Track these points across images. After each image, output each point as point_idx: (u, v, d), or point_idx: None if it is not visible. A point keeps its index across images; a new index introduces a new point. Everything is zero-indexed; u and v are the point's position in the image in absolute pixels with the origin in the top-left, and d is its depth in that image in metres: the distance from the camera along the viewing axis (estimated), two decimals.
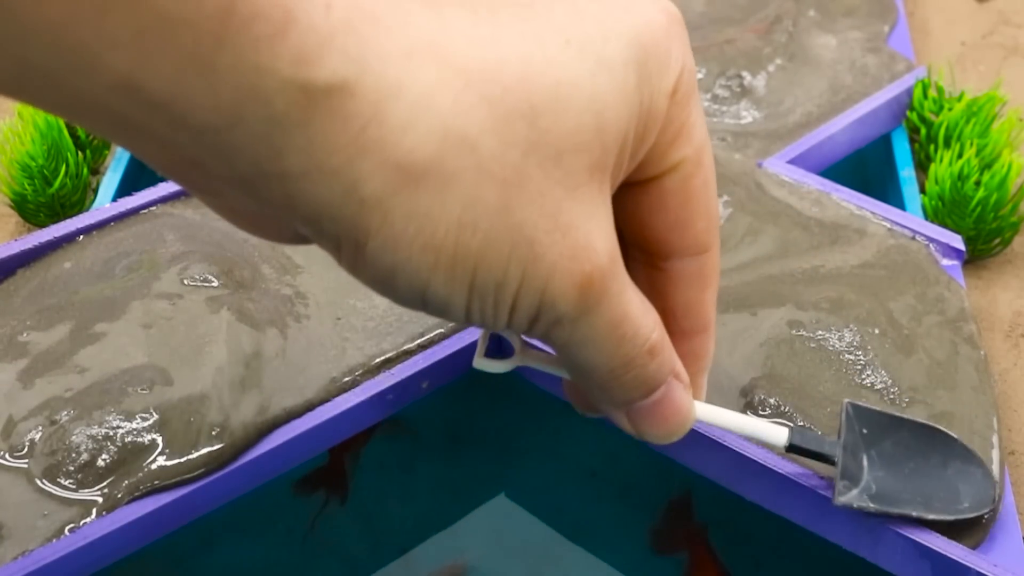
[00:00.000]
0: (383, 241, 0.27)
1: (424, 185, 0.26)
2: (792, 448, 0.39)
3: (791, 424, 0.41)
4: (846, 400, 0.42)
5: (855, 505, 0.40)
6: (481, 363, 0.36)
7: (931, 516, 0.40)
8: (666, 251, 0.33)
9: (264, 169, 0.26)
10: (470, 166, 0.26)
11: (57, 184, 0.57)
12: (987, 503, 0.41)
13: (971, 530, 0.41)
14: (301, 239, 0.29)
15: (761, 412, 0.45)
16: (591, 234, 0.28)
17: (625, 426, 0.34)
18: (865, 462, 0.41)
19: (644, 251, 0.33)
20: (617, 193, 0.31)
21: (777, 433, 0.38)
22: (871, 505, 0.40)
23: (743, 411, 0.45)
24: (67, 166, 0.57)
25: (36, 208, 0.58)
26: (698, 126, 0.31)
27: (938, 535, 0.41)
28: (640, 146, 0.30)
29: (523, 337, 0.37)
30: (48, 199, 0.57)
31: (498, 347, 0.44)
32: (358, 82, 0.25)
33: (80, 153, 0.60)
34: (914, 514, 0.40)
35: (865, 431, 0.41)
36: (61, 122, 0.58)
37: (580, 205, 0.28)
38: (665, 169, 0.31)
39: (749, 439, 0.42)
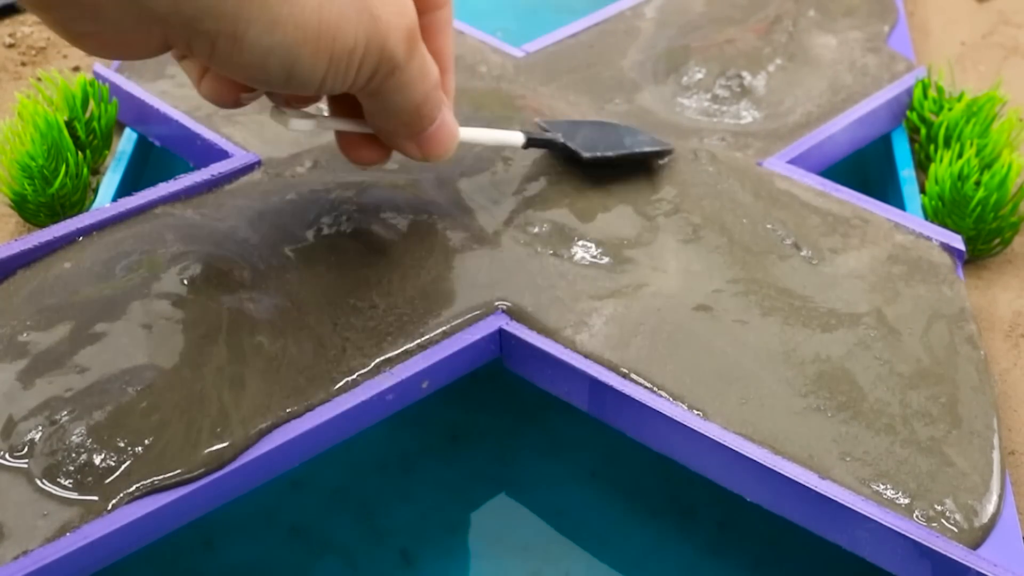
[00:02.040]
0: (261, 27, 0.33)
1: None
2: (529, 143, 0.52)
3: (523, 130, 0.53)
4: (536, 119, 0.56)
5: (597, 154, 0.54)
6: (295, 123, 0.43)
7: (643, 149, 0.55)
8: (419, 8, 0.40)
9: None
10: None
11: (57, 184, 0.57)
12: (667, 145, 0.57)
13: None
14: (164, 47, 0.35)
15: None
16: None
17: (415, 153, 0.44)
18: (578, 140, 0.55)
19: None
20: None
21: (515, 137, 0.52)
22: (604, 153, 0.54)
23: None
24: (67, 166, 0.57)
25: (36, 208, 0.58)
26: None
27: (938, 535, 0.41)
28: None
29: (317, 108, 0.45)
30: (48, 199, 0.57)
31: None
32: None
33: (80, 153, 0.60)
34: (635, 151, 0.55)
35: (560, 133, 0.55)
36: (61, 122, 0.58)
37: None
38: None
39: (496, 146, 0.55)
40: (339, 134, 0.46)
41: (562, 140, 0.54)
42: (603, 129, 0.57)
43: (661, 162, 0.56)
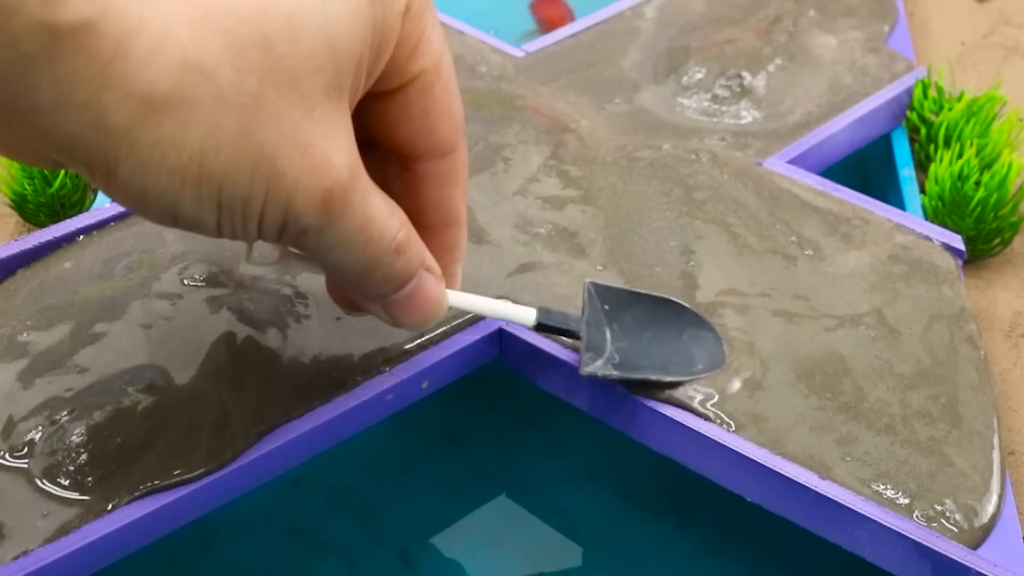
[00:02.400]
0: (132, 167, 0.29)
1: (167, 114, 0.28)
2: (540, 326, 0.43)
3: (539, 306, 0.43)
4: (587, 280, 0.45)
5: (600, 374, 0.43)
6: (246, 268, 0.38)
7: (669, 378, 0.44)
8: (415, 154, 0.36)
9: (16, 105, 0.28)
10: (209, 94, 0.29)
11: (57, 184, 0.57)
12: (718, 363, 0.45)
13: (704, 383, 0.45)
14: (58, 164, 0.32)
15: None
16: (329, 151, 0.31)
17: (384, 318, 0.37)
18: (608, 335, 0.44)
19: (397, 155, 0.36)
20: (366, 105, 0.34)
21: (526, 314, 0.42)
22: (614, 372, 0.43)
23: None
24: None
25: (36, 208, 0.58)
26: (435, 39, 0.34)
27: (938, 535, 0.41)
28: (377, 63, 0.32)
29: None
30: (48, 199, 0.57)
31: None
32: (101, 20, 0.27)
33: None
34: (653, 377, 0.44)
35: (607, 307, 0.45)
36: None
37: (318, 124, 0.31)
38: (406, 81, 0.34)
39: (502, 318, 0.44)
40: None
41: (579, 331, 0.43)
42: (664, 313, 0.46)
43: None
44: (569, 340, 0.46)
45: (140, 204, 0.31)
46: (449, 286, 0.39)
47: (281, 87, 0.30)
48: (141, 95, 0.28)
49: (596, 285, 0.45)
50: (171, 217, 0.31)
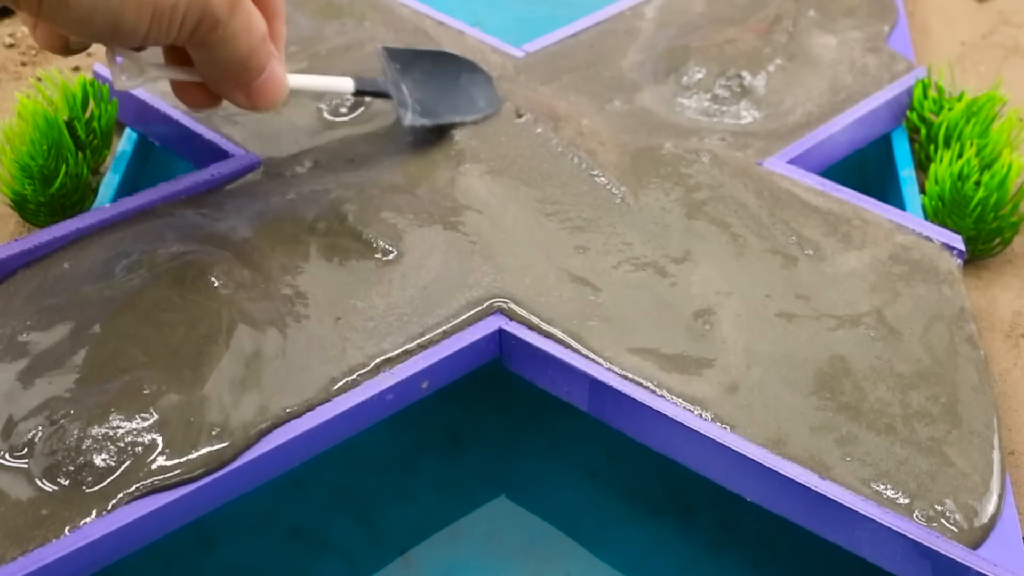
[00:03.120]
0: None
1: None
2: (358, 92, 0.52)
3: (354, 75, 0.53)
4: (379, 45, 0.55)
5: (416, 124, 0.54)
6: (122, 84, 0.45)
7: (466, 118, 0.55)
8: None
9: None
10: None
11: (57, 184, 0.57)
12: (496, 100, 0.57)
13: None
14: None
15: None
16: None
17: (243, 103, 0.45)
18: (405, 89, 0.54)
19: None
20: None
21: (345, 84, 0.52)
22: (425, 120, 0.54)
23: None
24: (67, 166, 0.57)
25: (36, 208, 0.58)
26: None
27: (938, 535, 0.41)
28: None
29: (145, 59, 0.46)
30: (48, 199, 0.57)
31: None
32: None
33: (80, 153, 0.60)
34: (456, 119, 0.54)
35: (398, 66, 0.54)
36: (61, 122, 0.58)
37: None
38: None
39: (324, 94, 0.55)
40: (173, 81, 0.47)
41: (389, 91, 0.54)
42: (442, 63, 0.56)
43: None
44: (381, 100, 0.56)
45: (87, 21, 0.37)
46: None
47: None
48: None
49: (387, 49, 0.55)
50: (112, 30, 0.38)
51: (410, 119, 0.54)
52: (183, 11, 0.39)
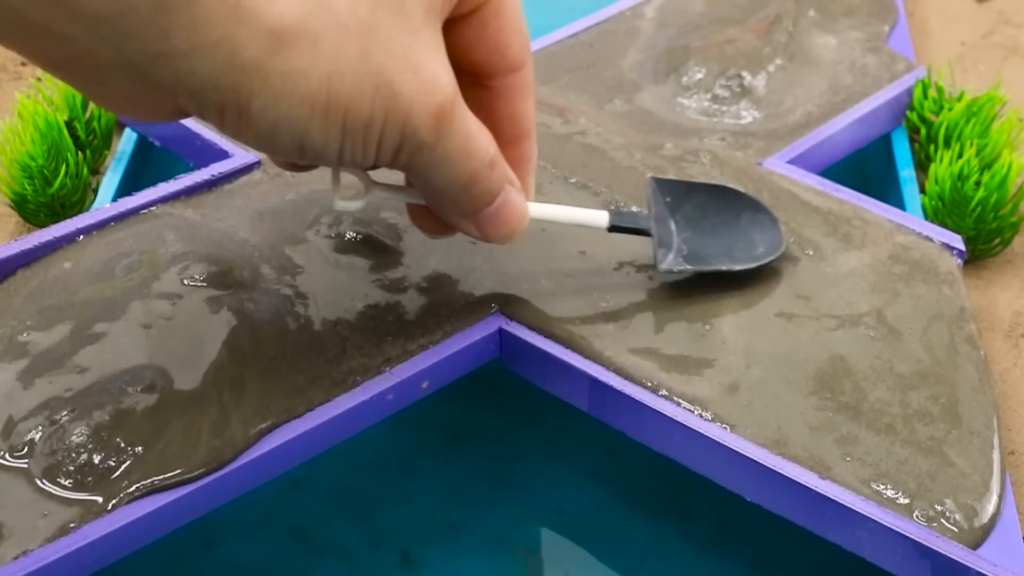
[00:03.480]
0: (264, 100, 0.31)
1: (294, 46, 0.31)
2: (613, 227, 0.46)
3: (609, 208, 0.48)
4: (649, 175, 0.48)
5: (675, 268, 0.47)
6: (341, 205, 0.41)
7: (737, 267, 0.47)
8: (491, 71, 0.39)
9: (152, 51, 0.30)
10: (330, 24, 0.31)
11: (57, 184, 0.57)
12: (778, 246, 0.49)
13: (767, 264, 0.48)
14: (181, 113, 0.34)
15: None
16: (437, 70, 0.34)
17: (474, 233, 0.40)
18: (673, 227, 0.48)
19: (472, 75, 0.39)
20: (446, 28, 0.36)
21: (599, 217, 0.45)
22: (687, 266, 0.47)
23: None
24: (67, 166, 0.57)
25: (36, 208, 0.58)
26: None
27: (938, 535, 0.41)
28: None
29: (370, 175, 0.41)
30: (48, 199, 0.57)
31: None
32: None
33: (80, 153, 0.60)
34: (723, 268, 0.47)
35: (668, 199, 0.48)
36: (61, 122, 0.58)
37: (423, 45, 0.33)
38: (481, 2, 0.37)
39: (577, 225, 0.46)
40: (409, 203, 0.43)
41: (650, 229, 0.47)
42: (721, 199, 0.49)
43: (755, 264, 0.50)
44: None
45: (271, 137, 0.33)
46: (526, 198, 0.41)
47: (390, 12, 0.32)
48: (271, 29, 0.30)
49: (657, 179, 0.48)
50: (300, 147, 0.33)
51: (669, 263, 0.47)
52: (379, 130, 0.33)
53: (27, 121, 0.59)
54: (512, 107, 0.40)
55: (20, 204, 0.58)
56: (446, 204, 0.38)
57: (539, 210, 0.43)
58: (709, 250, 0.48)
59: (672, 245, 0.47)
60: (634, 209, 0.46)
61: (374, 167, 0.37)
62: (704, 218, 0.48)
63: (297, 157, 0.34)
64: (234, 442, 0.43)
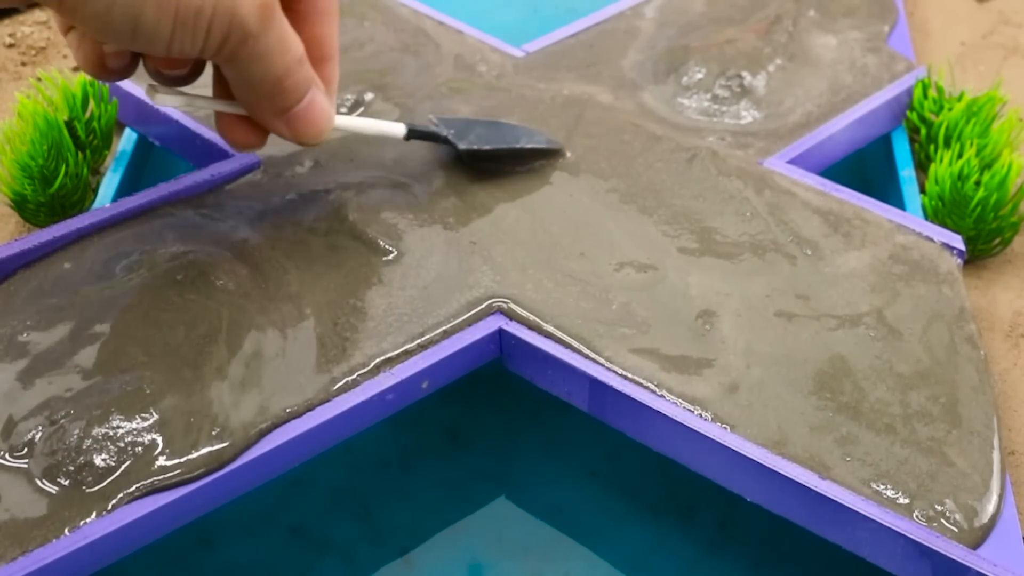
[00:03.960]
0: None
1: None
2: (411, 135, 0.52)
3: (409, 123, 0.53)
4: (430, 115, 0.55)
5: (475, 147, 0.54)
6: (160, 99, 0.44)
7: (520, 145, 0.55)
8: None
9: None
10: None
11: (57, 184, 0.57)
12: (557, 144, 0.56)
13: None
14: (26, 2, 0.39)
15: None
16: None
17: (285, 133, 0.44)
18: (467, 139, 0.54)
19: None
20: None
21: (398, 128, 0.51)
22: (486, 147, 0.54)
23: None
24: (67, 166, 0.57)
25: (36, 208, 0.58)
26: None
27: (938, 535, 0.41)
28: None
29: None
30: (48, 199, 0.57)
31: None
32: None
33: (80, 153, 0.60)
34: (516, 146, 0.55)
35: (452, 131, 0.54)
36: (61, 122, 0.58)
37: None
38: None
39: (377, 136, 0.53)
40: (217, 115, 0.46)
41: (443, 133, 0.54)
42: (498, 128, 0.56)
43: (544, 161, 0.56)
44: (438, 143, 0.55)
45: (106, 17, 0.36)
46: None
47: None
48: None
49: (440, 117, 0.55)
50: (132, 31, 0.36)
51: (465, 145, 0.54)
52: (209, 17, 0.37)
53: (27, 121, 0.59)
54: (317, 29, 0.44)
55: (20, 204, 0.58)
56: (262, 100, 0.42)
57: (343, 121, 0.48)
58: (498, 143, 0.55)
59: (465, 139, 0.54)
60: (429, 126, 0.54)
61: (199, 59, 0.41)
62: (489, 140, 0.55)
63: (128, 42, 0.37)
64: (234, 442, 0.43)
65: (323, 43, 0.45)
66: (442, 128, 0.54)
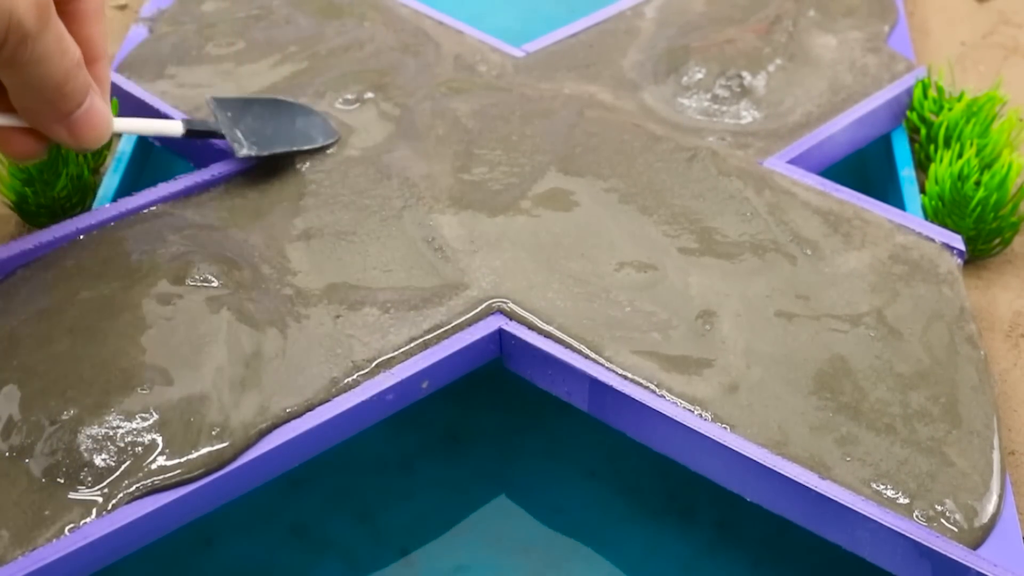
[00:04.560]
0: None
1: None
2: (189, 133, 0.52)
3: (184, 119, 0.54)
4: (208, 95, 0.55)
5: (253, 154, 0.54)
6: None
7: (296, 148, 0.55)
8: None
9: None
10: None
11: (59, 187, 0.57)
12: (333, 134, 0.57)
13: None
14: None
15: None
16: None
17: (66, 139, 0.43)
18: (239, 132, 0.54)
19: None
20: None
21: (175, 126, 0.52)
22: (261, 152, 0.54)
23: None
24: (67, 167, 0.57)
25: (37, 210, 0.58)
26: None
27: (938, 535, 0.41)
28: None
29: None
30: (49, 201, 0.57)
31: None
32: None
33: (79, 155, 0.59)
34: (293, 149, 0.55)
35: (230, 114, 0.55)
36: None
37: None
38: None
39: (157, 137, 0.55)
40: None
41: (222, 131, 0.54)
42: (276, 109, 0.56)
43: (326, 152, 0.57)
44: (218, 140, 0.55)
45: None
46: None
47: None
48: None
49: (216, 98, 0.55)
50: None
51: (244, 151, 0.54)
52: None
53: None
54: (87, 30, 0.45)
55: (21, 206, 0.58)
56: (43, 106, 0.42)
57: (121, 124, 0.48)
58: (274, 141, 0.55)
59: (241, 141, 0.54)
60: (209, 121, 0.54)
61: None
62: (265, 124, 0.55)
63: None
64: (234, 442, 0.43)
65: (93, 43, 0.45)
66: (218, 113, 0.54)
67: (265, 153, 0.54)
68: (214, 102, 0.55)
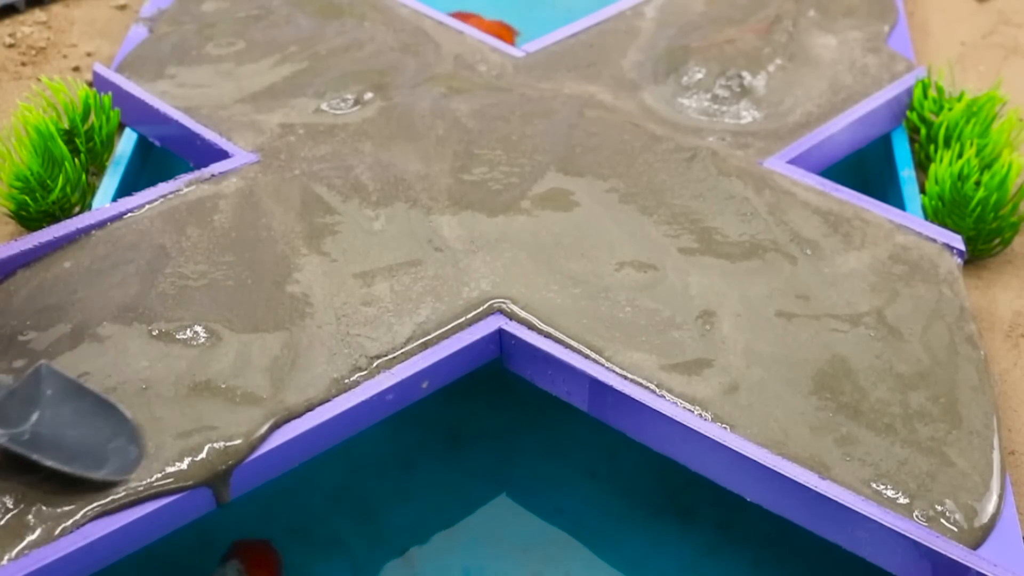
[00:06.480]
0: None
1: None
2: None
3: None
4: (42, 362, 0.44)
5: (10, 448, 0.42)
6: None
7: (67, 470, 0.42)
8: None
9: None
10: None
11: (57, 192, 0.56)
12: (125, 471, 0.43)
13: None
14: None
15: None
16: None
17: None
18: (35, 416, 0.43)
19: None
20: None
21: None
22: (16, 447, 0.42)
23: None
24: (65, 172, 0.57)
25: (40, 217, 0.57)
26: None
27: (938, 535, 0.41)
28: None
29: None
30: (48, 207, 0.57)
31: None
32: None
33: (77, 159, 0.59)
34: (50, 464, 0.42)
35: (50, 392, 0.44)
36: (53, 129, 0.58)
37: None
38: None
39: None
40: None
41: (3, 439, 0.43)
42: (103, 419, 0.45)
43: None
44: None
45: None
46: None
47: None
48: None
49: (50, 369, 0.44)
50: None
51: (3, 444, 0.43)
52: None
53: (19, 136, 0.58)
54: None
55: (20, 215, 0.57)
56: None
57: None
58: (52, 450, 0.43)
59: (18, 427, 0.43)
60: (9, 379, 0.44)
61: None
62: (74, 424, 0.44)
63: None
64: (235, 443, 0.43)
65: None
66: (36, 384, 0.44)
67: (20, 452, 0.43)
68: (45, 370, 0.44)
